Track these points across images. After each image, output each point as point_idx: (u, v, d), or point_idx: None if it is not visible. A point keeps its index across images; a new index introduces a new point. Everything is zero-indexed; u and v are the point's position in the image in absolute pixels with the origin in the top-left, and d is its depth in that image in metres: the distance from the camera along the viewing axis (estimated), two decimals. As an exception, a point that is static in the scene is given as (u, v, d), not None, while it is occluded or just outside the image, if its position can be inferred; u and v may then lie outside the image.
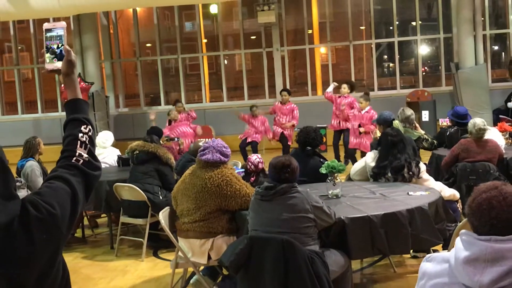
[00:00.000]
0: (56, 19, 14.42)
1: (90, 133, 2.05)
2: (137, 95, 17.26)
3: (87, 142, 2.03)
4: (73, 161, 1.97)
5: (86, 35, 15.66)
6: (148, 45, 18.87)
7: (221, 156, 4.82)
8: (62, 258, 1.90)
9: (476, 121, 6.46)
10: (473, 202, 2.27)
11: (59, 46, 2.10)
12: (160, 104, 16.91)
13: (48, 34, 2.12)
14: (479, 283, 2.15)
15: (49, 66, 2.10)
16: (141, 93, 16.99)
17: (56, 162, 2.00)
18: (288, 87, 16.45)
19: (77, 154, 1.98)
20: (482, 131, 6.38)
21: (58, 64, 2.09)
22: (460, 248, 2.24)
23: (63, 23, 2.16)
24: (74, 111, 2.10)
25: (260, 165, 5.98)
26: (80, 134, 2.02)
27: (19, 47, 18.06)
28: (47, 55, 2.10)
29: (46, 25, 2.15)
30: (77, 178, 1.93)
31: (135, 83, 17.64)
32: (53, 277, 1.82)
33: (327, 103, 15.77)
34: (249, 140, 12.09)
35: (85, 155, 2.00)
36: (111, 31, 17.12)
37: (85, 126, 2.05)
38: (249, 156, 6.21)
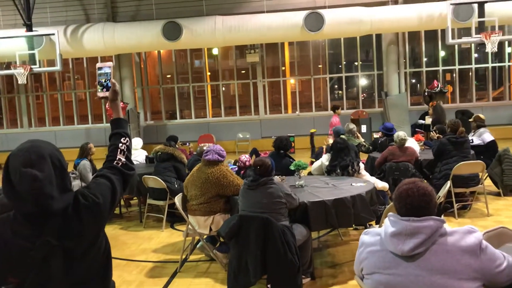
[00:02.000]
0: (103, 58, 14.34)
1: (127, 144, 2.04)
2: (160, 111, 17.14)
3: (125, 150, 2.02)
4: (114, 163, 1.97)
5: (124, 68, 15.57)
6: (168, 76, 18.74)
7: (218, 157, 4.80)
8: (104, 234, 1.89)
9: (400, 134, 6.48)
10: (397, 191, 2.29)
11: (107, 80, 2.11)
12: (176, 118, 16.82)
13: (99, 72, 2.14)
14: (401, 251, 2.15)
15: (100, 94, 2.13)
16: (162, 110, 16.87)
17: (103, 164, 2.00)
18: (267, 108, 16.46)
19: (117, 158, 1.98)
20: (403, 140, 6.40)
21: (106, 93, 2.12)
22: (388, 225, 2.24)
23: (110, 63, 2.16)
24: (117, 127, 2.10)
25: (247, 163, 5.94)
26: (120, 144, 2.01)
27: (76, 77, 17.88)
28: (98, 86, 2.12)
29: (98, 65, 2.16)
30: (116, 176, 1.93)
31: (159, 103, 17.51)
32: (97, 247, 1.82)
33: (295, 119, 15.86)
34: None
35: (123, 160, 1.99)
36: (142, 66, 17.01)
37: (124, 138, 2.05)
38: (239, 157, 6.17)
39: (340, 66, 16.94)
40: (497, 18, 11.25)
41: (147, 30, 12.86)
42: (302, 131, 14.79)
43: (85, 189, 1.82)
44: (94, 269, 1.81)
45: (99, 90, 2.12)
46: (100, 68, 2.15)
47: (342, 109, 16.53)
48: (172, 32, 12.61)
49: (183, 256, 5.06)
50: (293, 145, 14.11)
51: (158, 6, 13.99)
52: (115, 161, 1.97)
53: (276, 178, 4.85)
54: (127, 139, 2.05)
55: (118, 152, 1.99)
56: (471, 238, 2.13)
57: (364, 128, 13.61)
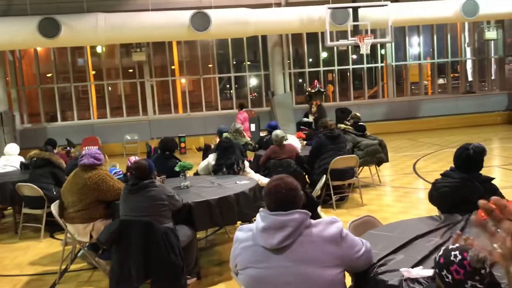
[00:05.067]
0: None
1: None
2: (39, 113, 15.99)
3: None
4: None
5: (-5, 67, 14.23)
6: (48, 75, 17.52)
7: (94, 160, 4.62)
8: None
9: (277, 132, 6.67)
10: (266, 187, 2.41)
11: None
12: (57, 121, 15.82)
13: None
14: (270, 244, 2.26)
15: None
16: (41, 112, 15.74)
17: None
18: (157, 108, 16.16)
19: None
20: (280, 138, 6.58)
21: None
22: (259, 220, 2.35)
23: None
24: None
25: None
26: None
27: None
28: None
29: None
30: None
31: (37, 104, 16.29)
32: None
33: (186, 119, 15.78)
34: None
35: None
36: (17, 65, 15.71)
37: None
38: (129, 158, 6.01)
39: (229, 66, 17.19)
40: (369, 22, 12.23)
41: (21, 26, 11.92)
42: (193, 131, 14.77)
43: None
44: None
45: None
46: None
47: (232, 108, 16.89)
48: (49, 28, 11.84)
49: (63, 267, 4.81)
50: (183, 145, 14.04)
51: (32, 1, 13.00)
52: None
53: (162, 178, 4.81)
54: None
55: None
56: (333, 228, 2.31)
57: (253, 127, 13.96)
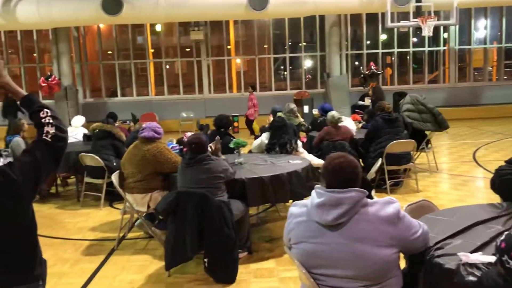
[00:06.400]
0: (38, 31, 13.61)
1: (49, 114, 1.97)
2: (100, 89, 16.63)
3: (50, 121, 1.95)
4: (42, 137, 1.92)
5: (61, 43, 14.87)
6: (109, 52, 18.12)
7: (154, 134, 4.76)
8: (27, 212, 1.84)
9: (333, 113, 6.62)
10: (329, 165, 2.36)
11: None
12: (117, 96, 16.39)
13: None
14: (325, 220, 2.26)
15: None
16: (102, 87, 16.38)
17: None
18: (212, 87, 16.38)
19: (44, 132, 1.92)
20: (336, 119, 6.52)
21: None
22: (314, 196, 2.34)
23: None
24: (29, 106, 2.00)
25: None
26: (42, 119, 1.95)
27: (9, 51, 16.98)
28: None
29: None
30: (42, 152, 1.87)
31: (98, 80, 16.95)
32: (16, 225, 1.79)
33: (240, 99, 15.88)
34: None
35: (52, 131, 1.93)
36: (80, 41, 16.36)
37: (42, 112, 1.97)
38: (185, 133, 6.17)
39: (285, 46, 17.06)
40: (433, 3, 11.71)
41: (85, 3, 12.36)
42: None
43: (7, 167, 1.79)
44: (13, 246, 1.79)
45: None
46: None
47: (285, 89, 16.84)
48: (112, 6, 12.20)
49: (121, 234, 5.03)
50: (236, 125, 14.17)
51: (97, -21, 13.39)
52: (43, 135, 1.92)
53: (217, 139, 4.89)
54: (46, 110, 1.98)
55: (44, 127, 1.94)
56: (390, 208, 2.28)
57: (306, 109, 13.83)
